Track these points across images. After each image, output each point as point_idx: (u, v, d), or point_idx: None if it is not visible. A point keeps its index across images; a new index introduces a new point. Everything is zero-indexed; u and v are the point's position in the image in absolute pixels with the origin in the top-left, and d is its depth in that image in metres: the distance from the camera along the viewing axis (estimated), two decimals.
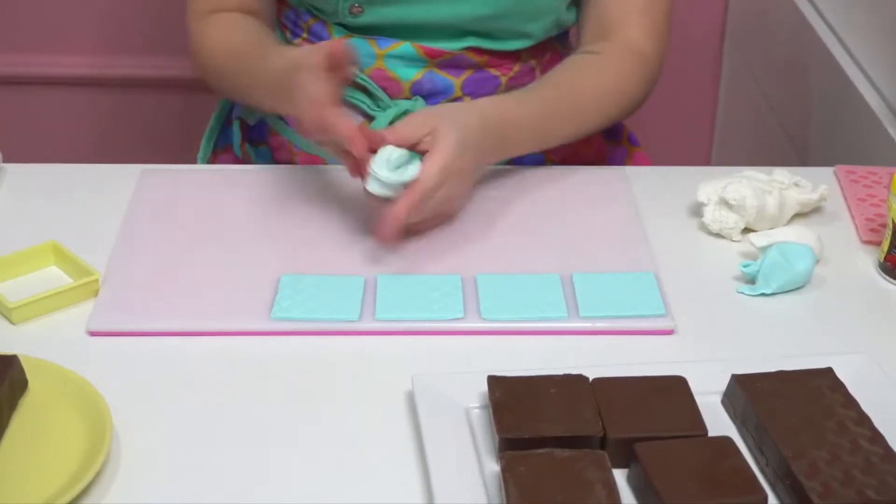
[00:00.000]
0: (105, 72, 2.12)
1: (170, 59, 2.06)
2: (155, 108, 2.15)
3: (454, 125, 1.12)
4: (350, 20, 1.30)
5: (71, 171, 1.27)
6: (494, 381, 0.93)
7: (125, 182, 1.23)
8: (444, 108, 1.20)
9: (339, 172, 1.25)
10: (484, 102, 1.22)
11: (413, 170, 1.09)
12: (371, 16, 1.29)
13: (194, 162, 1.48)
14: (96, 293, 1.07)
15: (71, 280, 1.08)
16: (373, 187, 1.09)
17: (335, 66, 1.11)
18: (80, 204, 1.21)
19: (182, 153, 1.64)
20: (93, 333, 1.03)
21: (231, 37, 1.31)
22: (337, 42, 1.10)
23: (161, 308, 1.05)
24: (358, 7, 1.28)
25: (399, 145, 1.09)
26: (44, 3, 2.06)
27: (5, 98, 2.14)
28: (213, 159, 1.46)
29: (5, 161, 1.26)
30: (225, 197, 1.21)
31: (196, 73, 1.37)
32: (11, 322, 1.04)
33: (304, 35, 1.36)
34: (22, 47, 2.10)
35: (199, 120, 1.53)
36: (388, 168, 1.08)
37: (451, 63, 1.31)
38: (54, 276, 1.10)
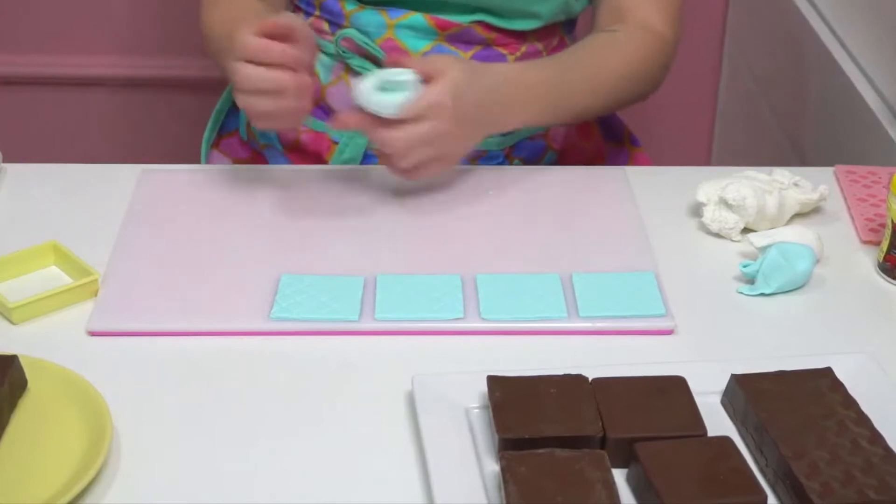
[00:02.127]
0: (105, 72, 2.12)
1: (171, 59, 2.07)
2: (155, 108, 2.15)
3: (461, 72, 1.15)
4: None
5: (71, 171, 1.27)
6: (494, 381, 0.93)
7: (125, 182, 1.23)
8: (460, 59, 1.26)
9: (340, 172, 1.26)
10: (499, 64, 1.26)
11: (400, 97, 1.11)
12: None
13: (194, 162, 1.48)
14: (96, 293, 1.07)
15: (71, 280, 1.08)
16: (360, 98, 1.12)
17: (281, 35, 1.11)
18: (80, 204, 1.21)
19: (182, 153, 1.64)
20: (93, 333, 1.03)
21: (231, 11, 1.32)
22: (283, 17, 1.13)
23: (161, 308, 1.05)
24: None
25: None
26: (44, 3, 2.06)
27: (5, 98, 2.14)
28: (217, 143, 1.47)
29: (5, 161, 1.26)
30: (225, 197, 1.21)
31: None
32: (11, 322, 1.04)
33: (317, 12, 1.36)
34: (22, 47, 2.10)
35: (199, 120, 1.53)
36: (375, 82, 1.12)
37: (460, 37, 1.32)
38: (54, 276, 1.10)
